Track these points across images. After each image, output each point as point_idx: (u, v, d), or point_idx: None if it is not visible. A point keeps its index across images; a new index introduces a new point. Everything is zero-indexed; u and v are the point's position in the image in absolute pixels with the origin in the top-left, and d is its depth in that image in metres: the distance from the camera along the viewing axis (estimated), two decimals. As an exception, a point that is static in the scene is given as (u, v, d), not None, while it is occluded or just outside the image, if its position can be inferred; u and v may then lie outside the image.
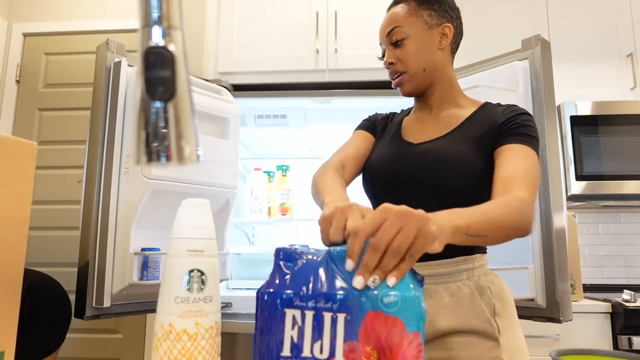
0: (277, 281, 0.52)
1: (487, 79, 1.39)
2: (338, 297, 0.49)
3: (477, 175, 0.86)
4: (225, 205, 1.56)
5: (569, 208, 2.27)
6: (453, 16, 0.96)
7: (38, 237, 2.14)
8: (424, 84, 0.96)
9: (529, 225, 0.74)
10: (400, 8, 0.95)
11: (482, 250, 0.91)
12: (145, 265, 1.33)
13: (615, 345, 1.71)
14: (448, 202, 0.71)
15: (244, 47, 1.88)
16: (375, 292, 0.50)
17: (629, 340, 1.67)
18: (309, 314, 0.49)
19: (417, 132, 0.98)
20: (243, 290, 1.85)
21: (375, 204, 0.96)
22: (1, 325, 0.53)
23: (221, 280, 1.58)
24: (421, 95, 0.99)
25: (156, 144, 0.34)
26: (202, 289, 0.53)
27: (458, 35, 0.98)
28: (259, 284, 0.54)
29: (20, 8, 2.36)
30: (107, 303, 1.26)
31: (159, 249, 1.36)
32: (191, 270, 0.53)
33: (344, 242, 0.55)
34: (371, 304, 0.49)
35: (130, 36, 2.12)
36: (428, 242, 0.53)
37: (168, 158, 0.34)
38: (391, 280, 0.50)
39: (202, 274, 0.54)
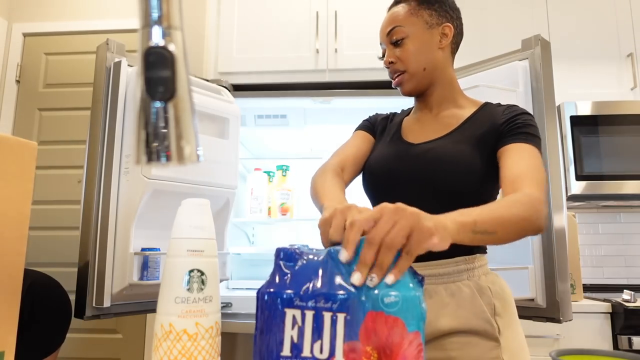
0: (277, 281, 0.52)
1: (487, 79, 1.39)
2: (338, 297, 0.49)
3: (477, 175, 0.86)
4: (225, 205, 1.56)
5: (569, 208, 2.27)
6: (453, 16, 0.96)
7: (38, 237, 2.14)
8: (424, 84, 0.96)
9: (541, 222, 0.73)
10: (400, 8, 0.95)
11: (482, 250, 0.91)
12: (145, 265, 1.33)
13: (615, 345, 1.71)
14: (448, 203, 0.71)
15: (244, 47, 1.88)
16: (376, 292, 0.50)
17: (629, 340, 1.67)
18: (309, 314, 0.49)
19: (417, 133, 0.98)
20: (243, 290, 1.85)
21: (375, 205, 0.96)
22: (1, 325, 0.53)
23: (221, 280, 1.58)
24: (421, 95, 0.99)
25: (156, 144, 0.34)
26: (202, 289, 0.53)
27: (458, 35, 0.98)
28: (259, 284, 0.54)
29: (20, 8, 2.36)
30: (107, 303, 1.26)
31: (159, 249, 1.36)
32: (191, 270, 0.53)
33: None
34: (372, 304, 0.49)
35: (130, 36, 2.12)
36: (425, 237, 0.52)
37: (168, 158, 0.34)
38: (390, 278, 0.50)
39: (202, 274, 0.54)
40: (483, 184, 0.87)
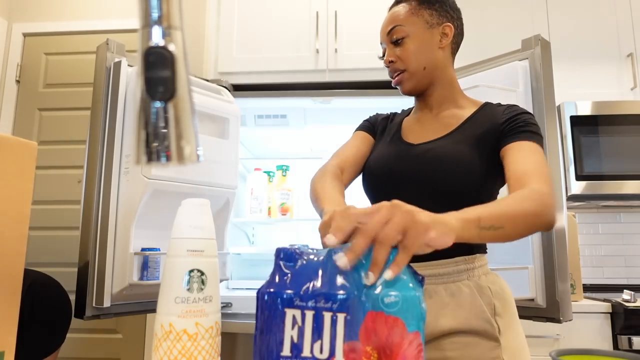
0: (277, 281, 0.52)
1: (487, 79, 1.39)
2: (338, 297, 0.49)
3: (476, 175, 0.86)
4: (225, 205, 1.56)
5: (569, 208, 2.27)
6: (454, 16, 0.96)
7: (38, 237, 2.14)
8: (424, 83, 0.96)
9: (551, 216, 0.73)
10: (401, 7, 0.96)
11: (482, 250, 0.91)
12: (145, 265, 1.33)
13: (615, 345, 1.71)
14: (448, 203, 0.71)
15: (244, 47, 1.88)
16: (376, 292, 0.50)
17: (629, 340, 1.67)
18: (309, 314, 0.49)
19: (417, 133, 0.98)
20: (243, 290, 1.85)
21: (375, 204, 0.96)
22: (1, 325, 0.53)
23: (221, 280, 1.58)
24: (421, 95, 0.99)
25: (156, 144, 0.34)
26: (202, 289, 0.53)
27: (459, 35, 0.98)
28: (259, 284, 0.54)
29: (20, 8, 2.36)
30: (107, 303, 1.26)
31: (159, 249, 1.36)
32: (191, 270, 0.53)
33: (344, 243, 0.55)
34: (372, 304, 0.49)
35: (130, 36, 2.12)
36: (420, 232, 0.52)
37: (168, 158, 0.34)
38: (388, 274, 0.50)
39: (202, 274, 0.54)
40: (483, 184, 0.87)
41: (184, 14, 0.36)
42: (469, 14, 1.03)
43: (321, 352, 0.48)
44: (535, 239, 1.28)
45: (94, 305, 1.25)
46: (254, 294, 0.52)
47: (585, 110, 2.03)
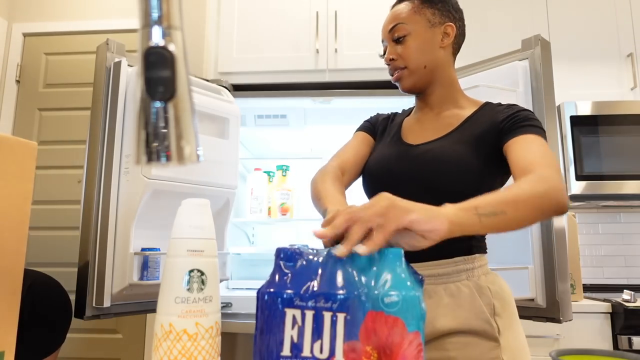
0: (277, 281, 0.52)
1: (487, 79, 1.39)
2: (338, 297, 0.49)
3: (476, 175, 0.86)
4: (225, 205, 1.56)
5: (569, 208, 2.27)
6: (456, 17, 0.96)
7: (38, 237, 2.14)
8: (424, 81, 0.95)
9: (560, 197, 0.70)
10: (404, 5, 0.96)
11: (482, 250, 0.91)
12: (145, 265, 1.33)
13: (615, 345, 1.71)
14: (449, 203, 0.71)
15: (244, 47, 1.88)
16: (376, 292, 0.50)
17: (629, 340, 1.67)
18: (309, 314, 0.49)
19: (416, 133, 0.98)
20: (243, 290, 1.85)
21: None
22: (1, 325, 0.53)
23: (221, 280, 1.58)
24: (422, 95, 0.99)
25: (156, 144, 0.34)
26: (202, 289, 0.53)
27: (460, 36, 0.98)
28: (259, 284, 0.54)
29: (20, 8, 2.36)
30: (107, 303, 1.26)
31: (159, 249, 1.36)
32: (191, 270, 0.53)
33: None
34: (372, 304, 0.49)
35: (130, 36, 2.12)
36: (399, 214, 0.55)
37: (168, 158, 0.34)
38: (361, 248, 0.52)
39: (202, 274, 0.54)
40: (483, 184, 0.87)
41: (184, 14, 0.36)
42: (469, 14, 1.03)
43: (321, 352, 0.48)
44: (535, 239, 1.28)
45: (94, 305, 1.25)
46: (254, 294, 0.52)
47: (585, 110, 2.03)
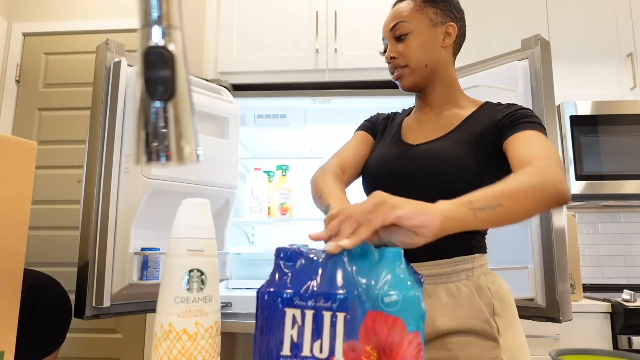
0: (277, 281, 0.52)
1: (487, 79, 1.39)
2: (338, 296, 0.49)
3: (476, 175, 0.86)
4: (225, 205, 1.56)
5: (569, 208, 2.27)
6: (458, 17, 0.96)
7: (38, 237, 2.14)
8: (424, 81, 0.95)
9: (558, 186, 0.69)
10: (406, 4, 0.95)
11: (482, 250, 0.90)
12: (145, 265, 1.33)
13: (615, 345, 1.71)
14: None
15: (244, 47, 1.88)
16: (376, 291, 0.50)
17: (629, 340, 1.67)
18: (309, 314, 0.49)
19: (416, 133, 0.98)
20: (243, 290, 1.85)
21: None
22: (1, 325, 0.53)
23: (221, 280, 1.58)
24: (422, 95, 0.99)
25: (156, 144, 0.34)
26: (202, 289, 0.53)
27: (461, 36, 0.98)
28: (259, 284, 0.54)
29: (20, 8, 2.36)
30: (107, 303, 1.26)
31: (159, 249, 1.36)
32: (191, 270, 0.53)
33: None
34: (372, 304, 0.49)
35: (130, 36, 2.12)
36: (386, 209, 0.55)
37: (168, 158, 0.34)
38: (344, 242, 0.53)
39: (202, 274, 0.54)
40: (483, 184, 0.87)
41: (184, 14, 0.36)
42: (469, 14, 1.03)
43: (321, 351, 0.48)
44: (535, 239, 1.28)
45: (94, 305, 1.25)
46: (254, 294, 0.52)
47: (585, 110, 2.03)
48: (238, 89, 1.83)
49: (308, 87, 1.81)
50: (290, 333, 0.49)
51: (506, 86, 1.35)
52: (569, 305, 1.23)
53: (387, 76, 1.00)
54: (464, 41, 0.99)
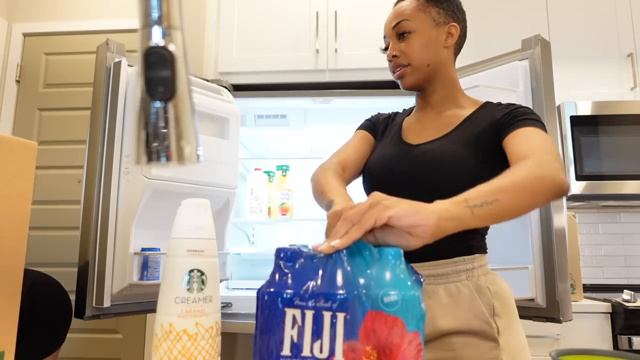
0: (277, 281, 0.52)
1: (487, 79, 1.39)
2: (338, 296, 0.49)
3: (476, 175, 0.86)
4: (225, 205, 1.56)
5: (569, 208, 2.27)
6: (460, 17, 0.97)
7: (38, 237, 2.14)
8: (426, 80, 0.95)
9: (556, 176, 0.68)
10: (409, 2, 0.95)
11: (482, 250, 0.90)
12: (145, 265, 1.33)
13: (615, 345, 1.71)
14: None
15: (244, 47, 1.88)
16: (376, 291, 0.50)
17: (629, 340, 1.67)
18: (309, 314, 0.49)
19: (416, 133, 0.98)
20: (243, 290, 1.85)
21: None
22: (1, 325, 0.53)
23: (221, 280, 1.58)
24: (423, 94, 0.99)
25: (156, 144, 0.34)
26: (202, 289, 0.53)
27: (462, 37, 0.98)
28: (259, 284, 0.54)
29: (20, 8, 2.36)
30: (107, 303, 1.26)
31: (159, 249, 1.36)
32: (191, 270, 0.53)
33: None
34: (371, 304, 0.49)
35: (130, 36, 2.12)
36: (378, 210, 0.54)
37: (168, 158, 0.34)
38: (335, 242, 0.53)
39: (202, 274, 0.54)
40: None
41: (184, 14, 0.36)
42: (470, 14, 1.03)
43: (321, 351, 0.48)
44: (535, 239, 1.28)
45: (94, 305, 1.25)
46: (254, 294, 0.52)
47: (585, 110, 2.03)
48: (238, 89, 1.83)
49: (308, 87, 1.81)
50: (290, 333, 0.49)
51: (506, 86, 1.35)
52: (569, 305, 1.23)
53: (387, 76, 1.00)
54: (464, 42, 1.00)
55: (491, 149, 0.87)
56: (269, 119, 1.97)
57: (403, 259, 0.54)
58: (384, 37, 0.98)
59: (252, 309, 1.50)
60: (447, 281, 0.85)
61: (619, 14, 2.18)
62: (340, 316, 0.49)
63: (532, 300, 1.26)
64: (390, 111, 1.12)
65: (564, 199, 1.29)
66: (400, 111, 1.11)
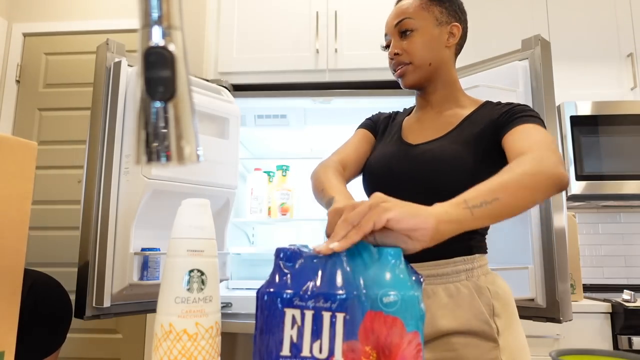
0: (277, 281, 0.52)
1: (487, 79, 1.39)
2: (337, 296, 0.49)
3: (476, 175, 0.86)
4: (225, 205, 1.56)
5: (569, 208, 2.27)
6: (462, 18, 0.97)
7: (38, 237, 2.14)
8: (427, 79, 0.95)
9: (555, 171, 0.68)
10: (412, 0, 0.95)
11: (482, 250, 0.90)
12: (145, 265, 1.33)
13: (615, 345, 1.71)
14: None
15: (244, 47, 1.88)
16: (375, 292, 0.50)
17: (629, 340, 1.67)
18: (309, 314, 0.49)
19: (416, 133, 0.97)
20: (243, 290, 1.85)
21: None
22: (1, 325, 0.53)
23: (221, 280, 1.58)
24: (423, 93, 0.99)
25: (156, 144, 0.34)
26: (202, 289, 0.53)
27: (464, 37, 0.98)
28: (259, 284, 0.54)
29: (20, 8, 2.36)
30: (107, 303, 1.26)
31: (159, 249, 1.36)
32: (191, 270, 0.53)
33: None
34: (371, 304, 0.49)
35: (130, 36, 2.12)
36: (377, 213, 0.54)
37: (168, 158, 0.34)
38: (333, 244, 0.52)
39: (202, 274, 0.54)
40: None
41: (184, 14, 0.36)
42: (469, 14, 1.03)
43: (320, 351, 0.48)
44: (535, 239, 1.28)
45: (94, 305, 1.25)
46: (254, 294, 0.52)
47: (585, 110, 2.03)
48: (238, 89, 1.83)
49: (308, 87, 1.81)
50: (289, 333, 0.49)
51: (506, 86, 1.35)
52: (569, 305, 1.23)
53: (387, 76, 1.00)
54: (464, 42, 1.00)
55: (491, 148, 0.87)
56: (269, 119, 1.97)
57: (403, 259, 0.54)
58: (385, 34, 0.98)
59: (252, 309, 1.50)
60: (447, 281, 0.85)
61: (619, 14, 2.18)
62: (340, 316, 0.49)
63: (532, 300, 1.26)
64: (390, 111, 1.12)
65: (564, 199, 1.29)
66: (401, 111, 1.11)
